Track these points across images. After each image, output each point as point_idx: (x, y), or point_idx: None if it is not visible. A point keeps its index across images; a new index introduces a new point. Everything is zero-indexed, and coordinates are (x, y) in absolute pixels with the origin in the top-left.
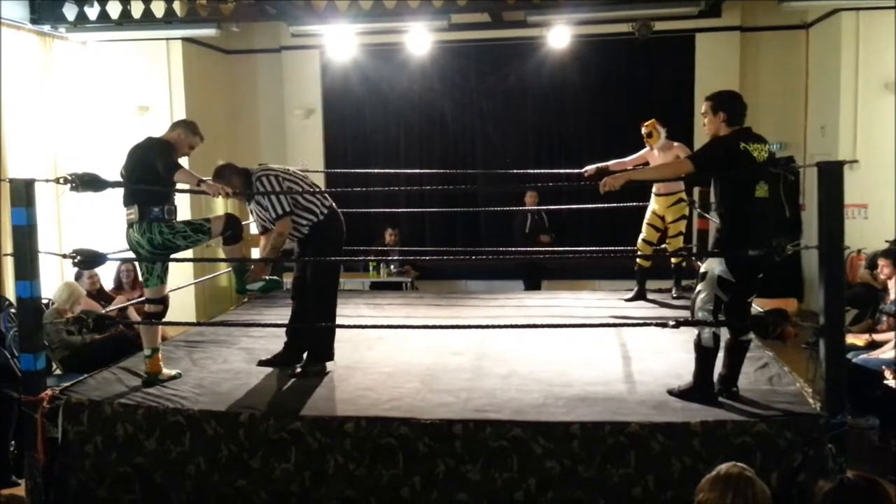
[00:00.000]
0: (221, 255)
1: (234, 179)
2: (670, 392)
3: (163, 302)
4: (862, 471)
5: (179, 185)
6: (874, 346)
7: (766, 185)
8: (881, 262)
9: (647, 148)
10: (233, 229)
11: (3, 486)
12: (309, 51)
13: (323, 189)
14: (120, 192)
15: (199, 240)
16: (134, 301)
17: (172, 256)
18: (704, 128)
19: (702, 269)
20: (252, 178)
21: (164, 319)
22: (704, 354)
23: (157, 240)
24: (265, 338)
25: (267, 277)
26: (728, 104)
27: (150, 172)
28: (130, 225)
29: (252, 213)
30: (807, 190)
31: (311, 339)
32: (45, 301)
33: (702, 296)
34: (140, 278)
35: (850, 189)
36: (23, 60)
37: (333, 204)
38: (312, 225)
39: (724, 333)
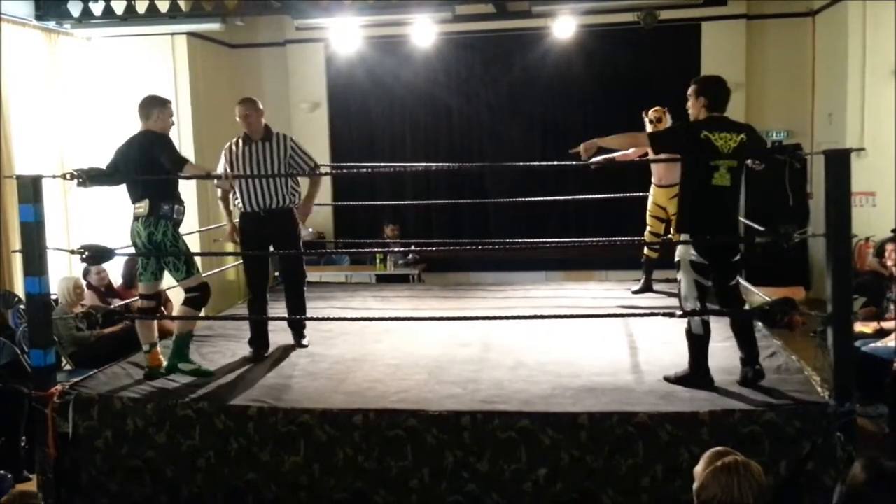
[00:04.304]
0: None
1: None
2: (667, 378)
3: (156, 299)
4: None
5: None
6: (883, 334)
7: (728, 173)
8: (889, 247)
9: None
10: (201, 293)
11: (14, 482)
12: (314, 44)
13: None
14: (124, 186)
15: (178, 270)
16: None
17: (183, 251)
18: (688, 110)
19: (675, 258)
20: (277, 133)
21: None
22: (696, 342)
23: (157, 237)
24: (273, 331)
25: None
26: (711, 89)
27: (156, 168)
28: (137, 218)
29: (229, 167)
30: (814, 178)
31: (298, 325)
32: (53, 297)
33: (683, 284)
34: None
35: (858, 177)
36: (28, 57)
37: None
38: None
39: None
